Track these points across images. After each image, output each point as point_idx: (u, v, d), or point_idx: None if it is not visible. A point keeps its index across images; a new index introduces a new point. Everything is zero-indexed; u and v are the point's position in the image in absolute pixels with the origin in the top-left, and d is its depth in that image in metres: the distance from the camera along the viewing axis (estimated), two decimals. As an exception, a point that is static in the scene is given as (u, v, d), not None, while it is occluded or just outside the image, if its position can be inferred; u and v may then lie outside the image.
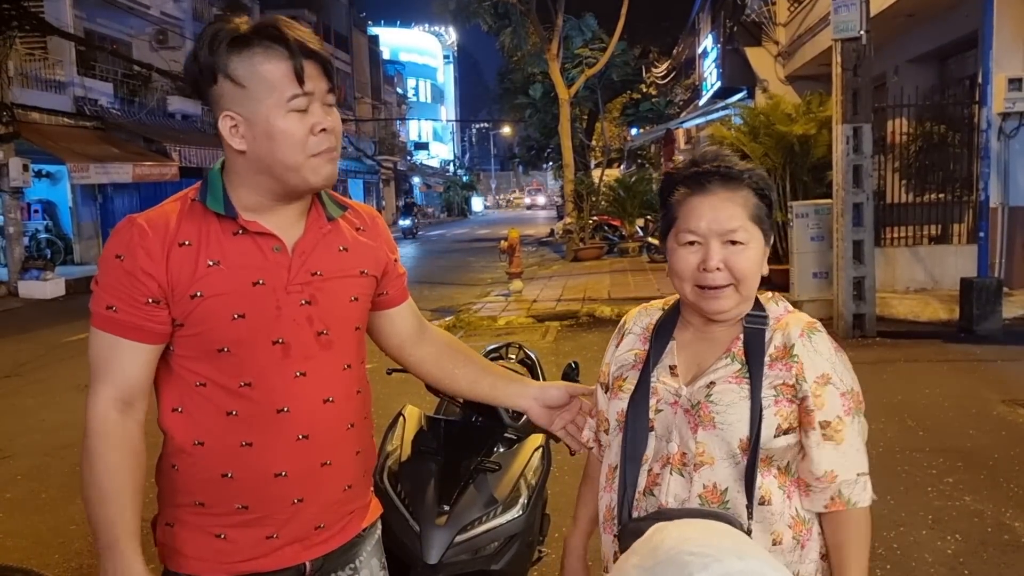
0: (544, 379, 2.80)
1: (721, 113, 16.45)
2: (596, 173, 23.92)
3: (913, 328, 8.49)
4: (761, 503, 1.40)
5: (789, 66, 14.84)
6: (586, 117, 29.83)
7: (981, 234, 8.18)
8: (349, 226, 1.59)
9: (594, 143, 31.59)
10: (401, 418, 2.50)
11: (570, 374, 2.70)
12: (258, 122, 1.39)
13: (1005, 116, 9.04)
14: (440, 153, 72.08)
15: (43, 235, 19.26)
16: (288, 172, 1.42)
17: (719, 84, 17.54)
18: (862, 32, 7.95)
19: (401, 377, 2.47)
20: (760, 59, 15.43)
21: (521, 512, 2.25)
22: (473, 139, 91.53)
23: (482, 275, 16.64)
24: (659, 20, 25.94)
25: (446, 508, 2.17)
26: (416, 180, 60.62)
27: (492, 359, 2.89)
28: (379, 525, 1.71)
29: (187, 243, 1.42)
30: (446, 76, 78.23)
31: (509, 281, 12.65)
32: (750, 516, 1.38)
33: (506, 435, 2.49)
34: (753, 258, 1.43)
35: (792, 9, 14.42)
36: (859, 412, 1.42)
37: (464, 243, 28.66)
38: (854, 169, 8.19)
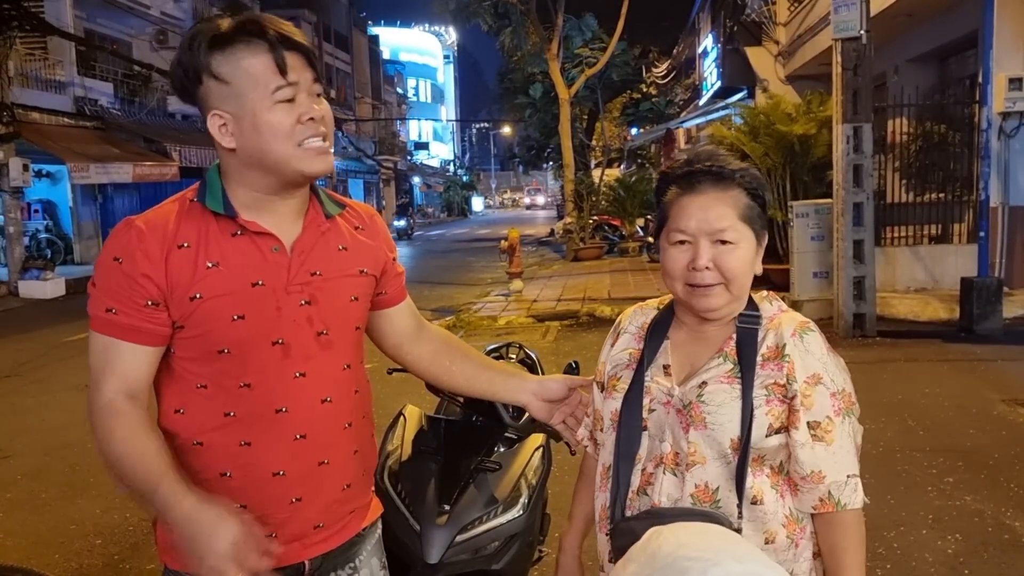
0: (544, 378, 2.79)
1: (721, 113, 16.44)
2: (596, 173, 23.92)
3: (913, 328, 8.49)
4: (753, 502, 1.40)
5: (789, 66, 14.83)
6: (586, 117, 29.84)
7: (981, 234, 8.18)
8: (348, 225, 1.58)
9: (594, 143, 31.59)
10: (401, 418, 2.50)
11: (570, 374, 2.70)
12: (245, 117, 1.39)
13: (1005, 116, 9.04)
14: (440, 153, 72.08)
15: (43, 235, 19.27)
16: (280, 164, 1.41)
17: (719, 84, 17.53)
18: (862, 32, 7.95)
19: (401, 377, 2.47)
20: (760, 59, 15.43)
21: (521, 512, 2.25)
22: (473, 139, 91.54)
23: (482, 275, 16.64)
24: (659, 20, 25.92)
25: (446, 508, 2.17)
26: (416, 180, 60.63)
27: (492, 359, 2.89)
28: (379, 524, 1.71)
29: (186, 245, 1.41)
30: (446, 76, 78.24)
31: (509, 281, 12.65)
32: (740, 515, 1.38)
33: (506, 435, 2.48)
34: (743, 258, 1.43)
35: (792, 9, 14.41)
36: (850, 413, 1.42)
37: (464, 243, 28.68)
38: (854, 169, 8.18)
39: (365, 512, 1.64)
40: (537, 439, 2.46)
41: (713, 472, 1.40)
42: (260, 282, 1.43)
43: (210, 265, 1.41)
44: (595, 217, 20.35)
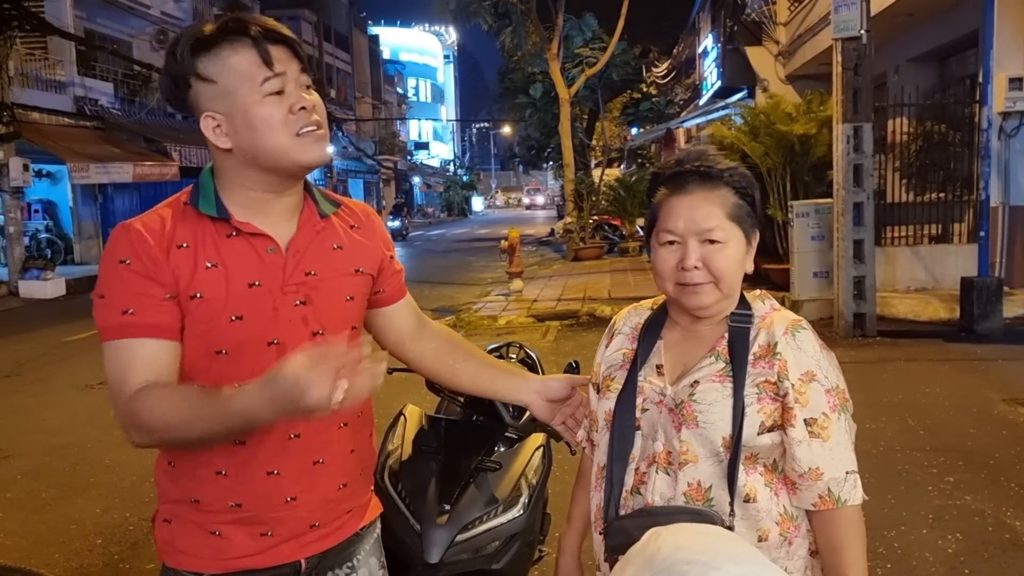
0: (544, 377, 2.79)
1: (721, 112, 16.43)
2: (596, 173, 23.92)
3: (914, 327, 8.50)
4: (747, 500, 1.40)
5: (789, 65, 14.83)
6: (586, 117, 29.83)
7: (982, 233, 8.18)
8: (343, 224, 1.58)
9: (594, 143, 31.58)
10: (402, 417, 2.50)
11: (571, 373, 2.69)
12: (237, 114, 1.39)
13: (1006, 115, 9.04)
14: (440, 153, 72.09)
15: (43, 235, 19.27)
16: (276, 157, 1.41)
17: (719, 83, 17.52)
18: (862, 31, 7.94)
19: (402, 377, 2.47)
20: (760, 58, 15.43)
21: (522, 511, 2.25)
22: (473, 139, 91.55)
23: (482, 275, 16.65)
24: (659, 20, 25.90)
25: (447, 507, 2.16)
26: (416, 180, 60.64)
27: (495, 358, 2.89)
28: (378, 524, 1.71)
29: (185, 245, 1.41)
30: (446, 76, 78.24)
31: (509, 281, 12.65)
32: (732, 513, 1.38)
33: (507, 434, 2.48)
34: (731, 256, 1.44)
35: (792, 8, 14.41)
36: (845, 409, 1.42)
37: (464, 243, 28.68)
38: (854, 168, 8.18)
39: (363, 511, 1.64)
40: (537, 439, 2.46)
41: (705, 471, 1.41)
42: (257, 283, 1.43)
43: (209, 265, 1.41)
44: (595, 217, 20.35)
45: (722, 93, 17.54)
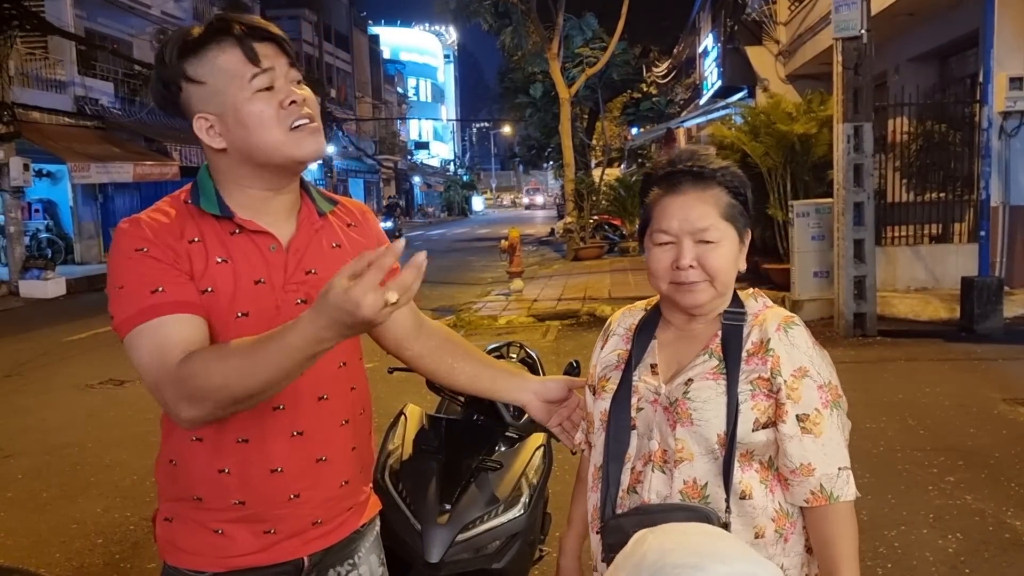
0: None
1: (722, 112, 16.42)
2: (597, 172, 23.92)
3: (914, 327, 8.49)
4: (742, 497, 1.40)
5: (790, 65, 14.83)
6: (586, 116, 29.82)
7: (982, 233, 8.18)
8: (340, 222, 1.59)
9: (595, 142, 31.57)
10: (402, 417, 2.50)
11: (571, 373, 2.69)
12: (228, 113, 1.39)
13: (1006, 115, 9.03)
14: (440, 152, 72.11)
15: (44, 235, 19.28)
16: (269, 154, 1.41)
17: (720, 83, 17.52)
18: (863, 31, 7.94)
19: (402, 376, 2.47)
20: (761, 58, 15.42)
21: (523, 511, 2.25)
22: (473, 138, 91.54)
23: (482, 274, 16.65)
24: (659, 19, 25.89)
25: (447, 507, 2.16)
26: (416, 179, 60.65)
27: (494, 357, 2.89)
28: (378, 521, 1.71)
29: (196, 240, 1.42)
30: (446, 75, 78.25)
31: (509, 280, 12.65)
32: (728, 510, 1.39)
33: (508, 434, 2.48)
34: (726, 255, 1.45)
35: (793, 8, 14.41)
36: (837, 406, 1.42)
37: (464, 242, 28.68)
38: (855, 168, 8.18)
39: (363, 509, 1.64)
40: (538, 438, 2.46)
41: (701, 468, 1.41)
42: (262, 280, 1.44)
43: (219, 260, 1.42)
44: (595, 217, 20.35)
45: (722, 93, 17.54)
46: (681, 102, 25.93)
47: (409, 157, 56.97)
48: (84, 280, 16.52)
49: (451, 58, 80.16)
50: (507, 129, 50.89)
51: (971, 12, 9.17)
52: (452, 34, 74.53)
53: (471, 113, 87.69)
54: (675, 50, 27.19)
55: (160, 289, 1.35)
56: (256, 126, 1.39)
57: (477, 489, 2.24)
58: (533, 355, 3.03)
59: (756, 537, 1.41)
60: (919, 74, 11.52)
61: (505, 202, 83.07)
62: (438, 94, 74.01)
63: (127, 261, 1.37)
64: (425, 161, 63.67)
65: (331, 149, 33.00)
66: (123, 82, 21.83)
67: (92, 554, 4.05)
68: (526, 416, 2.38)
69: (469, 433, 2.41)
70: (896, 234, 9.83)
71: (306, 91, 1.45)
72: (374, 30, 54.33)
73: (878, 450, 4.87)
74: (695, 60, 22.70)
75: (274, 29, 1.43)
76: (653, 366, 1.51)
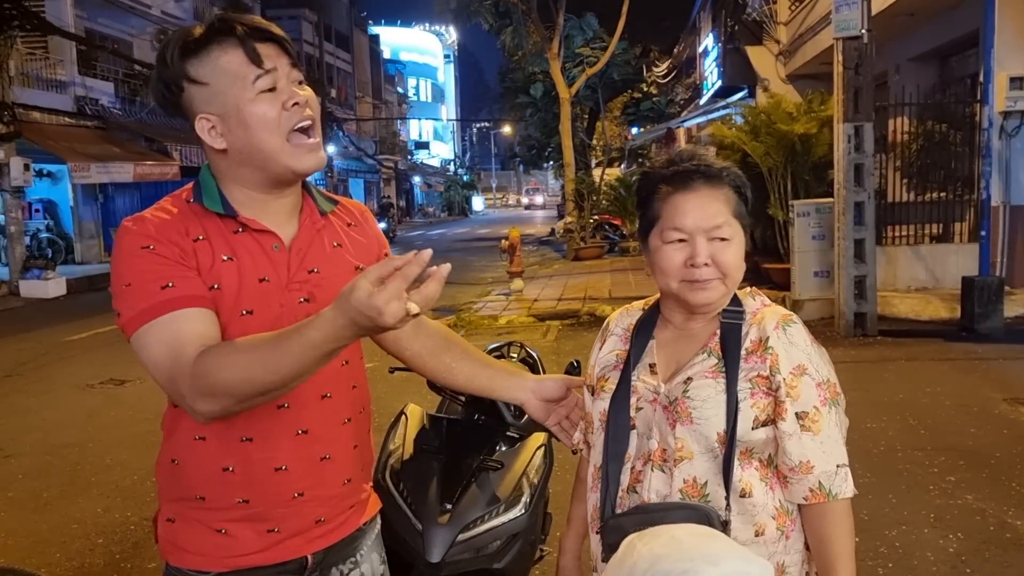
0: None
1: (722, 112, 16.42)
2: (597, 172, 23.91)
3: (914, 327, 8.49)
4: (743, 495, 1.40)
5: (790, 65, 14.82)
6: (587, 116, 29.81)
7: (983, 233, 8.18)
8: (340, 222, 1.60)
9: (595, 142, 31.55)
10: (403, 417, 2.50)
11: (572, 373, 2.69)
12: (230, 113, 1.39)
13: (1006, 115, 9.03)
14: (441, 152, 72.08)
15: (44, 234, 19.28)
16: (269, 159, 1.41)
17: (720, 83, 17.51)
18: (863, 31, 7.94)
19: (403, 376, 2.47)
20: (761, 58, 15.41)
21: (523, 511, 2.25)
22: (474, 138, 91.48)
23: (483, 274, 16.64)
24: (660, 19, 25.88)
25: (448, 507, 2.16)
26: (417, 179, 60.64)
27: (492, 357, 2.89)
28: (378, 520, 1.72)
29: (201, 238, 1.42)
30: (447, 75, 78.22)
31: (510, 280, 12.65)
32: (728, 508, 1.39)
33: (508, 434, 2.48)
34: (737, 253, 1.46)
35: (793, 8, 14.40)
36: (836, 403, 1.42)
37: (465, 242, 28.67)
38: (855, 168, 8.18)
39: (364, 507, 1.65)
40: (539, 438, 2.46)
41: (701, 467, 1.41)
42: (266, 278, 1.44)
43: (225, 258, 1.42)
44: (596, 216, 20.35)
45: (723, 92, 17.53)
46: (681, 102, 25.92)
47: (409, 157, 56.94)
48: (84, 280, 16.53)
49: (451, 58, 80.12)
50: (507, 129, 50.85)
51: (971, 12, 9.16)
52: (452, 34, 74.46)
53: (471, 113, 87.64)
54: (675, 50, 27.18)
55: (170, 285, 1.35)
56: (259, 127, 1.39)
57: (478, 489, 2.24)
58: (534, 355, 3.03)
59: (757, 535, 1.41)
60: (919, 74, 11.51)
61: (511, 201, 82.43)
62: (438, 94, 73.99)
63: (134, 259, 1.37)
64: (425, 161, 63.64)
65: (331, 149, 32.98)
66: (123, 82, 21.84)
67: (93, 554, 4.05)
68: (527, 416, 2.38)
69: (470, 433, 2.41)
70: (897, 234, 9.83)
71: (308, 92, 1.45)
72: (374, 30, 54.32)
73: (879, 450, 4.87)
74: (695, 60, 22.69)
75: (276, 30, 1.43)
76: (652, 366, 1.51)
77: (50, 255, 18.48)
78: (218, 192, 1.45)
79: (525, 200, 71.84)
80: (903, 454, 4.81)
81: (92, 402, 7.07)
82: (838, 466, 1.40)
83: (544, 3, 20.04)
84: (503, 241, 12.90)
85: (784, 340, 1.42)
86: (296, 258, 1.48)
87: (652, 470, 1.45)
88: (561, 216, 29.40)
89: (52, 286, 15.55)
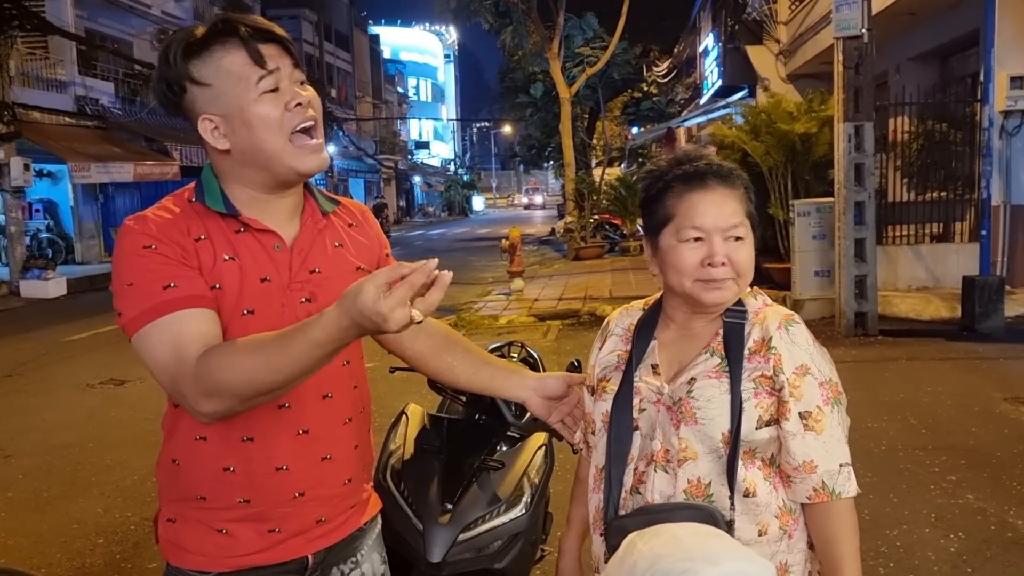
0: (545, 375, 2.79)
1: (722, 111, 16.42)
2: (597, 172, 23.91)
3: (915, 326, 8.49)
4: (746, 495, 1.40)
5: (790, 64, 14.82)
6: (587, 116, 29.80)
7: (983, 232, 8.17)
8: (342, 222, 1.60)
9: (595, 142, 31.55)
10: (404, 417, 2.50)
11: (573, 372, 2.69)
12: (234, 114, 1.40)
13: (1007, 114, 9.03)
14: (441, 152, 72.08)
15: (44, 234, 19.29)
16: (272, 160, 1.41)
17: (720, 83, 17.51)
18: (864, 30, 7.94)
19: (403, 376, 2.47)
20: (761, 57, 15.41)
21: (524, 511, 2.25)
22: (474, 138, 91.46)
23: (483, 274, 16.64)
24: (660, 19, 25.88)
25: (449, 506, 2.16)
26: (417, 179, 60.65)
27: (494, 355, 2.89)
28: (379, 520, 1.72)
29: (203, 237, 1.42)
30: (447, 75, 78.22)
31: (510, 280, 12.65)
32: (732, 508, 1.39)
33: (509, 433, 2.48)
34: (751, 252, 1.46)
35: (793, 8, 14.40)
36: (838, 403, 1.43)
37: (465, 242, 28.67)
38: (856, 167, 8.18)
39: (365, 507, 1.65)
40: (540, 438, 2.46)
41: (705, 467, 1.41)
42: (267, 278, 1.44)
43: (227, 258, 1.42)
44: (596, 216, 20.35)
45: (723, 92, 17.53)
46: (682, 101, 25.93)
47: (409, 157, 56.95)
48: (85, 280, 16.54)
49: (451, 58, 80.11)
50: (507, 129, 50.88)
51: (972, 11, 9.16)
52: (452, 34, 74.46)
53: (471, 113, 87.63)
54: (675, 49, 27.18)
55: (172, 285, 1.35)
56: (262, 128, 1.40)
57: (479, 489, 2.24)
58: (534, 355, 3.03)
59: (760, 535, 1.41)
60: (920, 73, 11.51)
61: (516, 201, 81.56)
62: (438, 94, 73.99)
63: (135, 258, 1.37)
64: (425, 161, 63.64)
65: (331, 149, 33.01)
66: (123, 82, 21.85)
67: (93, 554, 4.05)
68: (528, 415, 2.38)
69: (471, 433, 2.41)
70: (897, 233, 9.82)
71: (310, 92, 1.45)
72: (374, 30, 54.33)
73: (880, 449, 4.87)
74: (695, 59, 22.69)
75: (279, 30, 1.44)
76: (654, 366, 1.51)
77: (50, 255, 18.48)
78: (220, 192, 1.46)
79: (524, 200, 71.50)
80: (904, 453, 4.81)
81: (92, 402, 7.07)
82: (841, 465, 1.40)
83: (544, 3, 20.03)
84: (503, 241, 12.89)
85: (787, 340, 1.42)
86: (298, 258, 1.48)
87: (655, 471, 1.44)
88: (561, 216, 29.41)
89: (52, 286, 15.56)
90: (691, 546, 1.20)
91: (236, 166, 1.44)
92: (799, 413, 1.39)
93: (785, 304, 1.58)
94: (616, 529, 1.42)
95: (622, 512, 1.46)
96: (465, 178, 64.66)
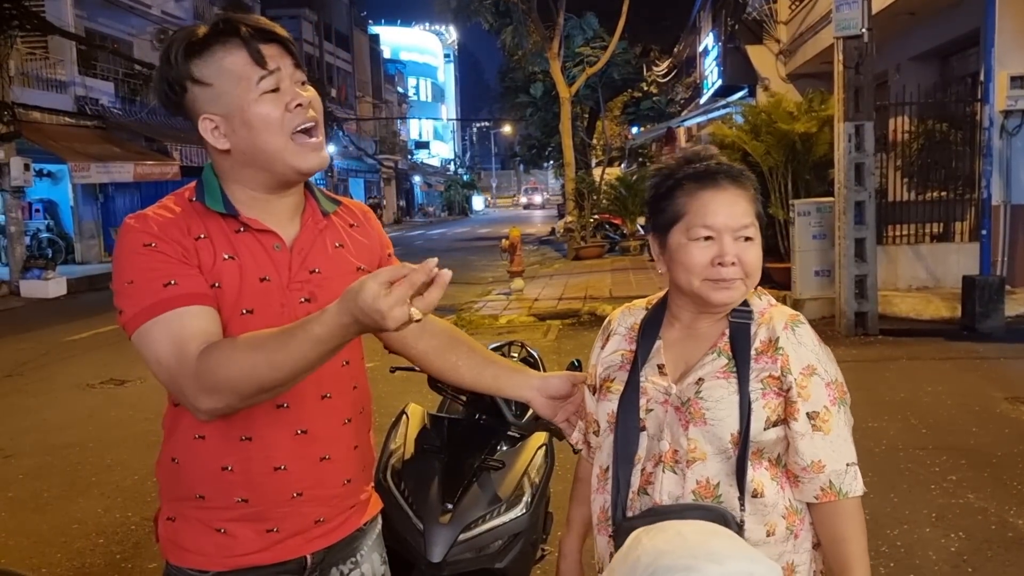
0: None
1: (722, 111, 16.42)
2: (597, 172, 23.91)
3: (915, 326, 8.49)
4: (754, 496, 1.41)
5: (790, 64, 14.82)
6: (587, 116, 29.82)
7: (983, 232, 8.17)
8: (343, 222, 1.60)
9: (595, 142, 31.58)
10: (404, 416, 2.50)
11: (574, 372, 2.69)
12: (234, 114, 1.40)
13: (1007, 114, 9.03)
14: (441, 152, 72.10)
15: (44, 234, 19.29)
16: (273, 159, 1.42)
17: (720, 82, 17.51)
18: (864, 30, 7.93)
19: (404, 375, 2.47)
20: (761, 57, 15.41)
21: (525, 510, 2.25)
22: (474, 138, 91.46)
23: (483, 274, 16.64)
24: (660, 18, 25.87)
25: (449, 506, 2.16)
26: (417, 179, 60.65)
27: (497, 354, 2.89)
28: (379, 520, 1.72)
29: (203, 236, 1.42)
30: (447, 75, 78.22)
31: (510, 280, 12.65)
32: (743, 508, 1.39)
33: (509, 433, 2.48)
34: (760, 253, 1.46)
35: (793, 7, 14.40)
36: (843, 402, 1.43)
37: (465, 242, 28.67)
38: (856, 167, 8.18)
39: (365, 507, 1.64)
40: (540, 438, 2.45)
41: (713, 467, 1.41)
42: (267, 278, 1.44)
43: (226, 257, 1.42)
44: (596, 216, 20.35)
45: (723, 92, 17.54)
46: (682, 101, 25.93)
47: (409, 157, 56.95)
48: (85, 280, 16.54)
49: (451, 57, 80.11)
50: (507, 128, 50.89)
51: (972, 11, 9.16)
52: (452, 33, 74.44)
53: (471, 112, 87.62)
54: (675, 49, 27.18)
55: (173, 282, 1.35)
56: (262, 128, 1.40)
57: (479, 488, 2.24)
58: (534, 354, 3.02)
59: (768, 535, 1.41)
60: (920, 73, 11.50)
61: (520, 201, 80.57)
62: (438, 94, 73.99)
63: (136, 256, 1.37)
64: (425, 161, 63.65)
65: (331, 149, 33.01)
66: (123, 82, 21.85)
67: (93, 554, 4.05)
68: (528, 415, 2.38)
69: (471, 432, 2.41)
70: (897, 233, 9.82)
71: (311, 92, 1.45)
72: (374, 30, 54.34)
73: (880, 449, 4.86)
74: (695, 59, 22.70)
75: (280, 30, 1.44)
76: (660, 367, 1.50)
77: (50, 255, 18.48)
78: (220, 192, 1.46)
79: (523, 200, 71.21)
80: (904, 453, 4.81)
81: (92, 402, 7.06)
82: (848, 465, 1.41)
83: (544, 2, 20.04)
84: (504, 240, 12.89)
85: (793, 341, 1.42)
86: (297, 258, 1.48)
87: (664, 471, 1.44)
88: (561, 215, 29.41)
89: (52, 286, 15.56)
90: (695, 544, 1.19)
91: (236, 166, 1.44)
92: (807, 413, 1.39)
93: (785, 304, 1.58)
94: (625, 531, 1.41)
95: (630, 514, 1.45)
96: (465, 178, 64.66)
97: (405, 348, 1.73)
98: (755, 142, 10.34)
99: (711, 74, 19.22)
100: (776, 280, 9.90)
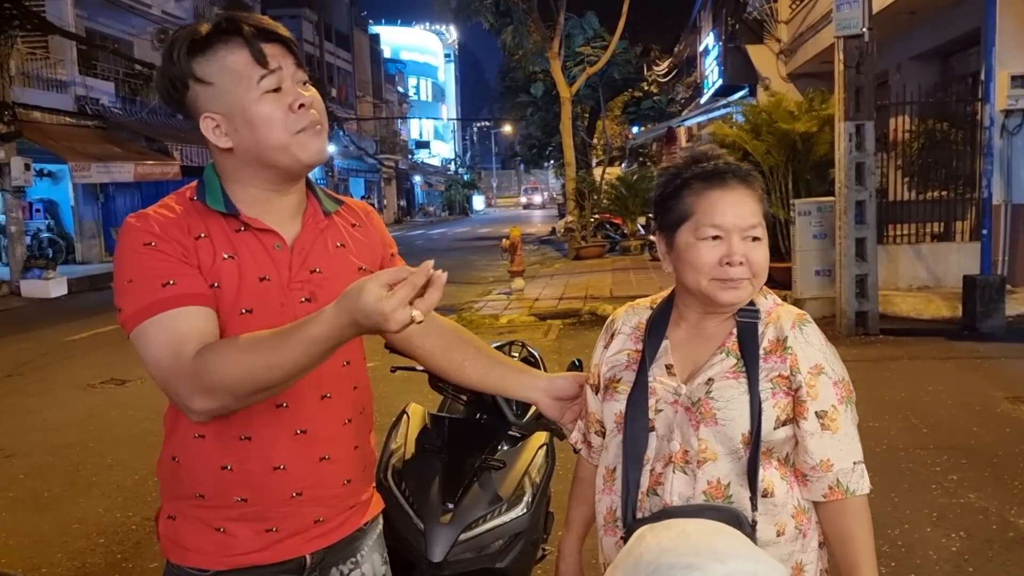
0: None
1: (723, 111, 16.43)
2: (598, 171, 23.91)
3: (916, 326, 8.48)
4: (765, 495, 1.41)
5: (791, 64, 14.82)
6: (587, 115, 29.83)
7: (984, 231, 8.17)
8: (344, 222, 1.59)
9: (596, 141, 31.59)
10: (405, 416, 2.49)
11: (574, 371, 2.69)
12: (236, 113, 1.40)
13: (1008, 113, 9.03)
14: (441, 152, 72.09)
15: (45, 234, 19.29)
16: (277, 154, 1.41)
17: (721, 82, 17.53)
18: (864, 29, 7.93)
19: (404, 375, 2.47)
20: (762, 57, 15.42)
21: (525, 510, 2.25)
22: (474, 138, 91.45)
23: (484, 273, 16.64)
24: (660, 18, 25.90)
25: (450, 506, 2.16)
26: (417, 179, 60.66)
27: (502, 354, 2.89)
28: (380, 520, 1.71)
29: (203, 235, 1.42)
30: (447, 74, 78.21)
31: (511, 279, 12.65)
32: (755, 508, 1.39)
33: (510, 433, 2.48)
34: (767, 253, 1.46)
35: (794, 7, 14.40)
36: (850, 401, 1.44)
37: (465, 242, 28.67)
38: (856, 166, 8.17)
39: (366, 508, 1.64)
40: (541, 437, 2.45)
41: (724, 468, 1.41)
42: (267, 277, 1.44)
43: (226, 257, 1.42)
44: (597, 216, 20.34)
45: (723, 91, 17.55)
46: (682, 101, 25.94)
47: (410, 156, 56.96)
48: (85, 280, 16.54)
49: (452, 57, 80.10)
50: (508, 128, 50.87)
51: (972, 10, 9.16)
52: (453, 33, 74.44)
53: (472, 112, 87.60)
54: (676, 49, 27.20)
55: (171, 282, 1.35)
56: (264, 127, 1.40)
57: (480, 488, 2.23)
58: (535, 354, 3.02)
59: (778, 535, 1.42)
60: (921, 72, 11.50)
61: (523, 200, 79.18)
62: (439, 93, 73.99)
63: (136, 255, 1.37)
64: (426, 160, 63.66)
65: (332, 148, 33.05)
66: (124, 82, 21.85)
67: (94, 554, 4.05)
68: (529, 415, 2.38)
69: (472, 432, 2.40)
70: (898, 232, 9.83)
71: (313, 92, 1.45)
72: (375, 29, 54.36)
73: (881, 449, 4.86)
74: (696, 59, 22.71)
75: (282, 30, 1.43)
76: (669, 367, 1.49)
77: (51, 255, 18.49)
78: (221, 191, 1.46)
79: (523, 200, 70.96)
80: (905, 453, 4.81)
81: (93, 402, 7.07)
82: (855, 463, 1.41)
83: (545, 2, 20.05)
84: (504, 240, 12.89)
85: (801, 340, 1.43)
86: (298, 258, 1.47)
87: (674, 472, 1.43)
88: (562, 215, 29.41)
89: (53, 286, 15.56)
90: (699, 541, 1.19)
91: (238, 164, 1.44)
92: (816, 412, 1.40)
93: (785, 303, 1.58)
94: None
95: (640, 515, 1.45)
96: (465, 178, 64.69)
97: (410, 347, 1.72)
98: (756, 141, 10.34)
99: (711, 73, 19.23)
100: (777, 279, 9.90)
